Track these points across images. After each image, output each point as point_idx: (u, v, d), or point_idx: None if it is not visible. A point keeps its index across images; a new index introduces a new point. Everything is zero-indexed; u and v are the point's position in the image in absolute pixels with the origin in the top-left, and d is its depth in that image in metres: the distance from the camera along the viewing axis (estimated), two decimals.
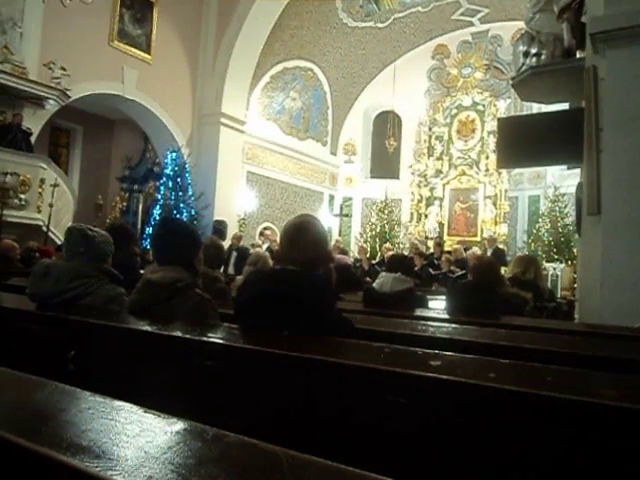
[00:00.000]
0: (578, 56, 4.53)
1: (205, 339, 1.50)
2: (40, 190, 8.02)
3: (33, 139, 8.37)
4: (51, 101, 8.32)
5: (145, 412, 0.84)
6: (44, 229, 7.98)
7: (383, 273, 3.61)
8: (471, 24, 13.32)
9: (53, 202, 7.98)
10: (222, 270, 6.57)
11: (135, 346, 1.67)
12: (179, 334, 1.57)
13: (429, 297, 4.01)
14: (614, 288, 3.32)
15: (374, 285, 3.55)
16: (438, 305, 3.82)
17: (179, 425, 0.78)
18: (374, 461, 0.78)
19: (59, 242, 7.16)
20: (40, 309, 2.10)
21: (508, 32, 12.48)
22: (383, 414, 1.16)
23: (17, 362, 1.24)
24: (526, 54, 4.74)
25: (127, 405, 0.87)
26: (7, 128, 7.84)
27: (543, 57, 4.63)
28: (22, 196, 7.66)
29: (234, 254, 8.51)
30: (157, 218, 10.01)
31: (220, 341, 1.50)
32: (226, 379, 1.42)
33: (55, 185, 8.07)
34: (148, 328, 1.70)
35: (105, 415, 0.82)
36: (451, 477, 1.08)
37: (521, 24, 7.64)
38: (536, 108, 10.58)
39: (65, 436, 0.73)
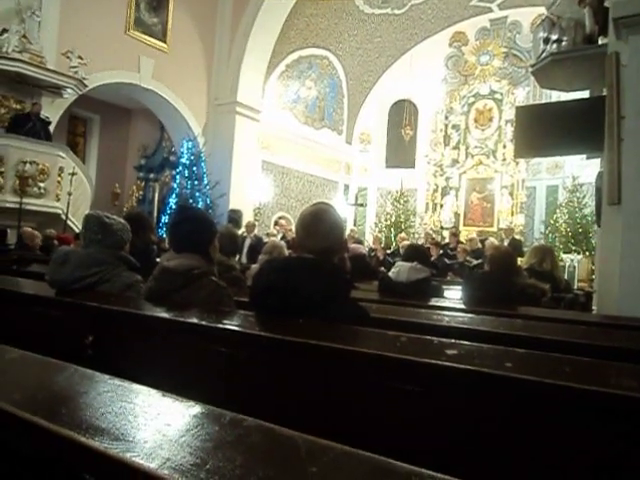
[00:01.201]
0: (600, 42, 4.43)
1: (221, 326, 1.51)
2: (59, 179, 8.10)
3: (52, 128, 8.45)
4: (69, 90, 8.38)
5: (163, 396, 0.85)
6: (63, 217, 8.08)
7: (399, 262, 3.59)
8: (490, 10, 13.07)
9: (71, 190, 8.06)
10: (237, 259, 6.60)
11: (152, 332, 1.68)
12: (195, 321, 1.58)
13: (444, 287, 3.99)
14: (634, 279, 3.27)
15: (390, 274, 3.53)
16: (453, 295, 3.80)
17: (197, 409, 0.78)
18: (389, 448, 0.78)
19: (77, 230, 7.26)
20: (59, 295, 2.13)
21: (528, 18, 12.24)
22: (398, 402, 1.16)
23: (37, 347, 1.26)
24: (546, 40, 4.65)
25: (145, 389, 0.88)
26: (26, 117, 7.92)
27: (564, 43, 4.54)
28: (41, 184, 7.75)
29: (247, 242, 8.51)
30: (173, 207, 10.07)
31: (236, 328, 1.50)
32: (242, 366, 1.43)
33: (73, 174, 8.16)
34: (165, 314, 1.71)
35: (124, 398, 0.83)
36: (465, 466, 1.07)
37: (541, 10, 7.50)
38: (555, 96, 10.39)
39: (84, 418, 0.74)
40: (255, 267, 3.72)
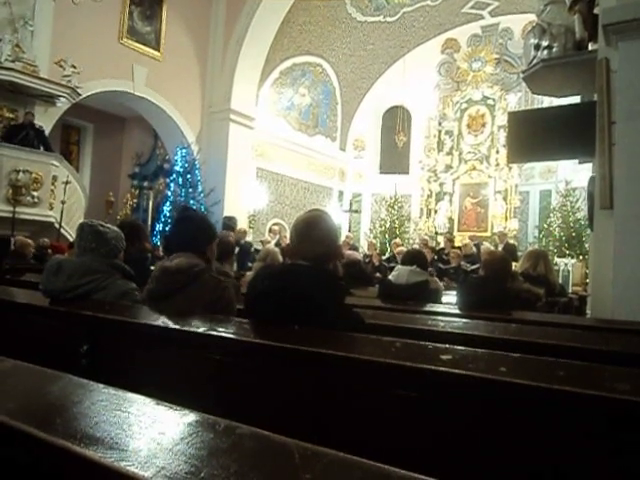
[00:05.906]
0: (590, 48, 4.47)
1: (216, 333, 1.50)
2: (52, 187, 8.07)
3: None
4: (62, 99, 8.37)
5: (157, 404, 0.84)
6: (56, 226, 8.05)
7: (399, 266, 3.65)
8: (481, 17, 13.18)
9: (65, 199, 8.04)
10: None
11: (147, 340, 1.68)
12: (191, 329, 1.58)
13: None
14: (627, 283, 3.29)
15: (390, 277, 3.60)
16: (448, 300, 3.81)
17: (191, 417, 0.78)
18: (385, 453, 0.78)
19: (71, 239, 7.23)
20: (53, 304, 2.12)
21: (519, 25, 12.36)
22: (394, 408, 1.16)
23: (31, 356, 1.25)
24: (537, 47, 4.69)
25: (140, 397, 0.88)
26: (20, 127, 7.89)
27: (554, 50, 4.58)
28: (35, 193, 7.72)
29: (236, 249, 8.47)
30: (167, 215, 10.06)
31: (231, 335, 1.50)
32: (237, 373, 1.43)
33: (67, 182, 8.14)
34: (160, 322, 1.71)
35: (118, 407, 0.83)
36: (462, 471, 1.07)
37: (532, 17, 7.57)
38: (547, 102, 10.47)
39: (79, 428, 0.74)
40: (250, 274, 3.73)
